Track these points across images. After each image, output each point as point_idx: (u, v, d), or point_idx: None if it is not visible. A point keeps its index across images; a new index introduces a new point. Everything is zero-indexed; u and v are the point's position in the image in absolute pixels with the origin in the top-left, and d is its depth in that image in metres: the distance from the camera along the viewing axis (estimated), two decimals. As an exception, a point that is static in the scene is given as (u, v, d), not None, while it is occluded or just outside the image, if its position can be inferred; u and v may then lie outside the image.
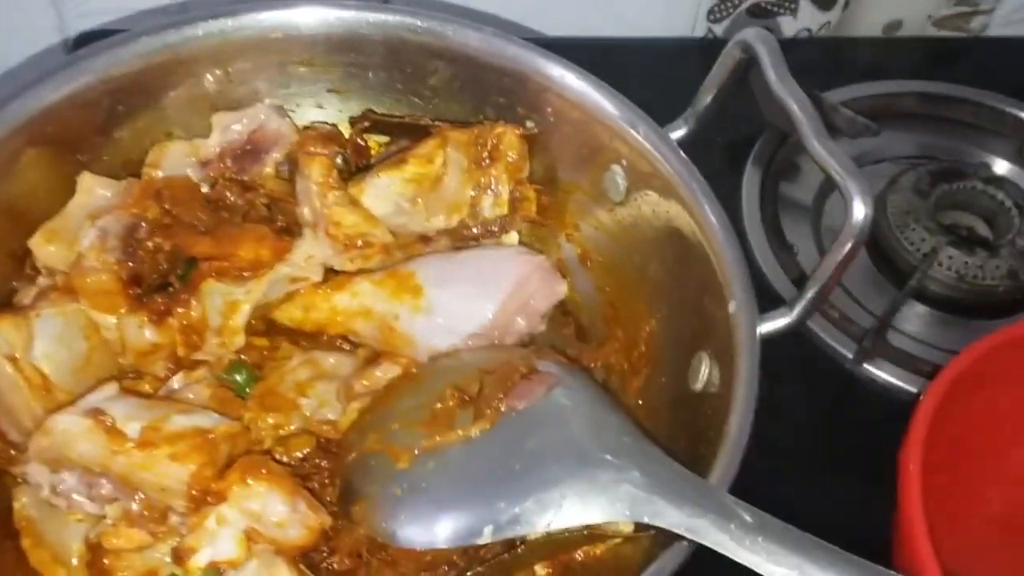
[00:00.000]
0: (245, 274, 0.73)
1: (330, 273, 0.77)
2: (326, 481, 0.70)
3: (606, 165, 0.78)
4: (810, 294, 0.69)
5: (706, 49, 1.11)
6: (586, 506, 0.59)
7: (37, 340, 0.65)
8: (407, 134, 0.83)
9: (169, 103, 0.78)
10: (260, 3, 0.77)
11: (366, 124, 0.83)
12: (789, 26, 1.14)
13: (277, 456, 0.69)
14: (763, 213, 0.99)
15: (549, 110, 0.79)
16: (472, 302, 0.75)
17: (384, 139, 0.85)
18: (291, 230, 0.77)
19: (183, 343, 0.71)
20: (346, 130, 0.84)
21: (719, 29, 1.13)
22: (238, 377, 0.73)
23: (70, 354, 0.67)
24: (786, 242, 0.97)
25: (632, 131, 0.75)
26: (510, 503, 0.60)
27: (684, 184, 0.73)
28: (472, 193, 0.79)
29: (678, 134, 0.77)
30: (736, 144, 1.02)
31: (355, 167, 0.82)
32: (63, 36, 0.99)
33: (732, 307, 0.68)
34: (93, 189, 0.74)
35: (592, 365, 0.80)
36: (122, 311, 0.69)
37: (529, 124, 0.80)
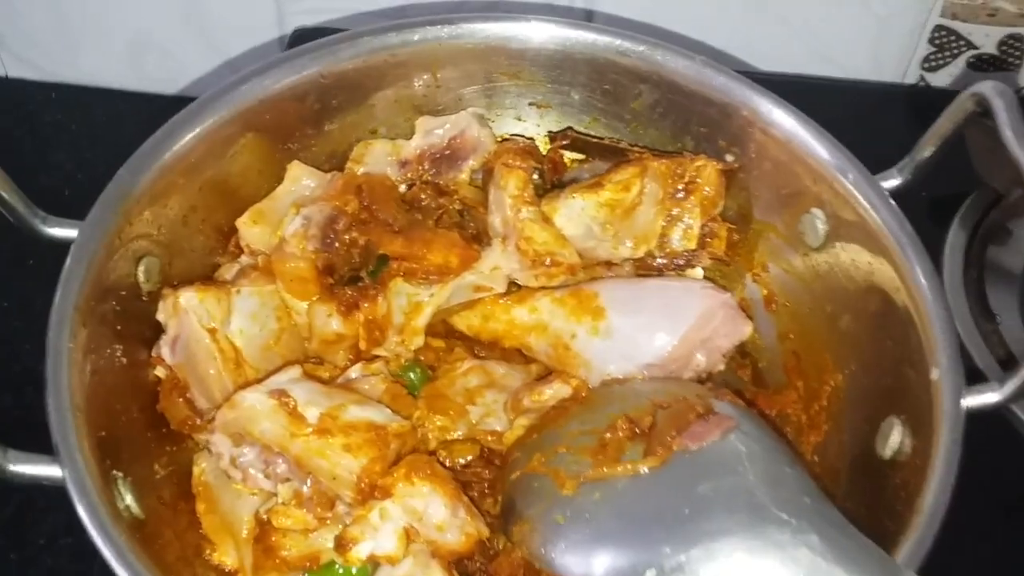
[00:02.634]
0: (432, 277, 0.74)
1: (512, 285, 0.77)
2: (486, 491, 0.69)
3: (806, 208, 0.75)
4: (1024, 373, 0.64)
5: (916, 97, 1.06)
6: (756, 564, 0.56)
7: (235, 315, 0.68)
8: (604, 155, 0.82)
9: (378, 102, 0.80)
10: (475, 15, 0.78)
11: (565, 141, 0.83)
12: (1011, 81, 1.07)
13: (440, 459, 0.70)
14: (966, 276, 0.92)
15: (752, 146, 0.77)
16: (653, 331, 0.74)
17: (579, 156, 0.84)
18: (480, 238, 0.78)
19: (366, 337, 0.73)
20: (542, 144, 0.84)
21: (932, 78, 1.07)
22: (412, 375, 0.74)
23: (262, 332, 0.70)
24: (989, 310, 0.91)
25: (841, 177, 0.72)
26: (676, 549, 0.58)
27: (894, 238, 0.69)
28: (663, 224, 0.78)
29: (891, 184, 0.73)
30: (943, 200, 0.96)
31: (550, 184, 0.82)
32: (280, 32, 1.03)
33: (935, 374, 0.64)
34: (300, 178, 0.77)
35: (767, 412, 0.77)
36: (314, 299, 0.71)
37: (729, 158, 0.78)
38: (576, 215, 0.77)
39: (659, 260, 0.79)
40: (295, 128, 0.78)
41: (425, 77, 0.80)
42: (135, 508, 0.59)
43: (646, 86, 0.79)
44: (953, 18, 0.99)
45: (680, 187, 0.78)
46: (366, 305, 0.72)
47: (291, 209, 0.74)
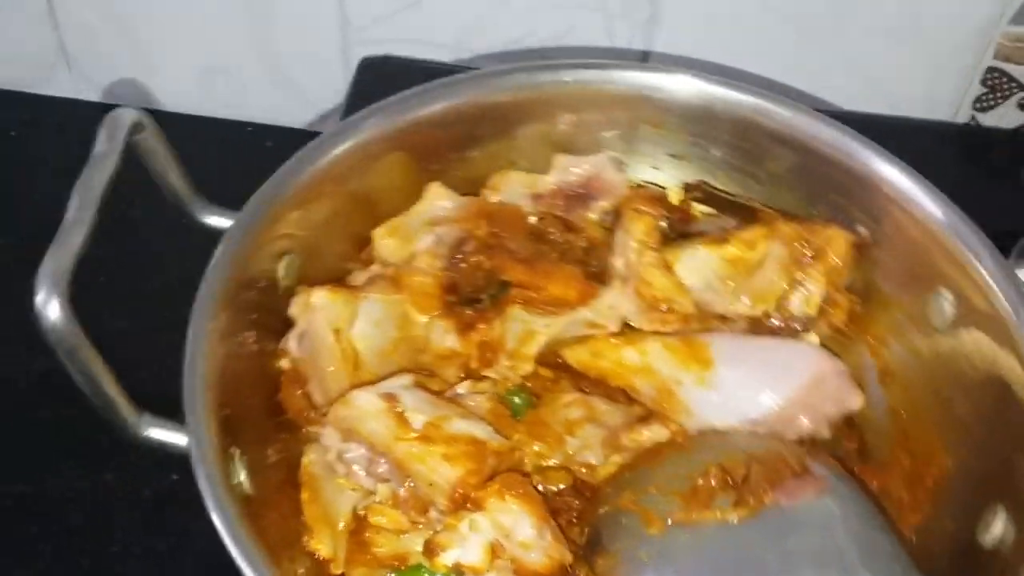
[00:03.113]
0: (548, 308, 0.77)
1: (626, 327, 0.78)
2: (573, 520, 0.71)
3: (935, 288, 0.74)
4: None
5: (968, 136, 1.06)
6: None
7: (359, 319, 0.72)
8: (735, 213, 0.83)
9: (521, 136, 0.83)
10: (624, 63, 0.81)
11: (698, 194, 0.84)
12: None
13: (534, 484, 0.71)
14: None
15: (887, 221, 0.76)
16: (760, 388, 0.74)
17: (709, 210, 0.86)
18: (600, 277, 0.80)
19: (478, 357, 0.75)
20: (675, 195, 0.86)
21: (983, 118, 1.06)
22: (517, 399, 0.76)
23: (382, 339, 0.73)
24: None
25: (975, 262, 0.71)
26: None
27: (1020, 332, 0.67)
28: (785, 286, 0.78)
29: (1029, 275, 0.72)
30: None
31: (676, 233, 0.83)
32: (346, 61, 1.06)
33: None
34: (437, 198, 0.80)
35: (869, 485, 0.76)
36: (435, 314, 0.75)
37: (861, 229, 0.78)
38: (698, 266, 0.78)
39: (775, 322, 0.79)
40: (440, 151, 0.81)
41: (570, 117, 0.83)
42: (247, 485, 0.63)
43: (786, 149, 0.80)
44: (1006, 60, 1.01)
45: (808, 253, 0.78)
46: (482, 326, 0.75)
47: (425, 226, 0.77)
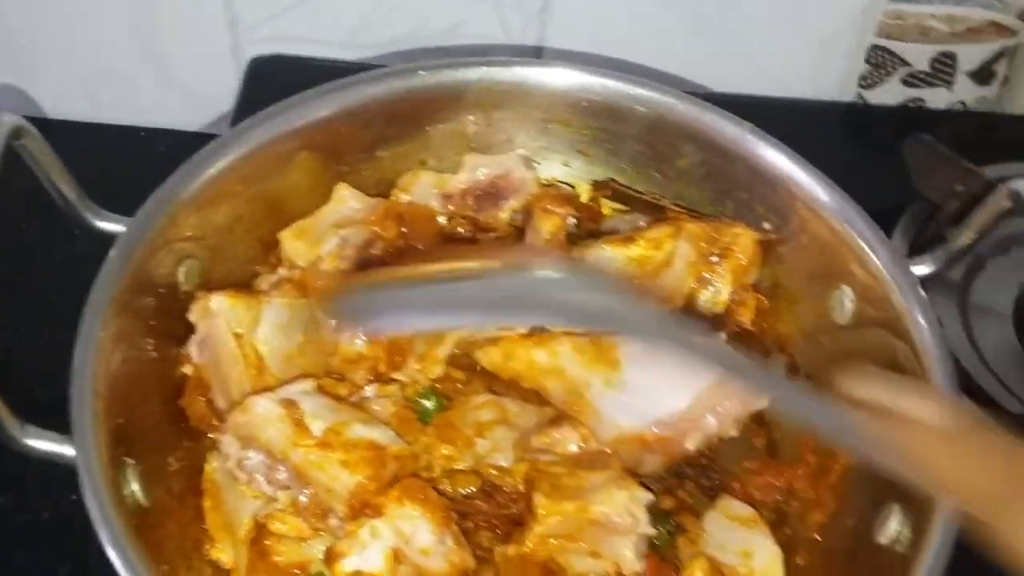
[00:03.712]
0: None
1: (538, 328, 0.78)
2: (481, 524, 0.71)
3: (837, 285, 0.75)
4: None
5: (855, 114, 1.08)
6: None
7: (262, 324, 0.71)
8: (644, 210, 0.84)
9: (431, 135, 0.83)
10: (529, 60, 0.81)
11: (607, 192, 0.84)
12: (943, 97, 1.08)
13: (442, 488, 0.71)
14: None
15: (791, 217, 0.77)
16: (667, 389, 0.74)
17: (620, 207, 0.86)
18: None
19: (386, 360, 0.75)
20: (585, 191, 0.86)
21: (869, 95, 1.08)
22: (427, 403, 0.76)
23: (287, 342, 0.72)
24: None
25: (873, 257, 0.72)
26: None
27: (916, 325, 0.69)
28: (692, 285, 0.78)
29: (922, 270, 0.73)
30: (882, 213, 0.85)
31: (586, 231, 0.83)
32: (236, 60, 1.04)
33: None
34: (346, 200, 0.79)
35: (775, 483, 0.77)
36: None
37: (766, 226, 0.79)
38: (604, 265, 0.78)
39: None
40: (348, 151, 0.80)
41: (479, 116, 0.82)
42: (140, 496, 0.61)
43: (693, 146, 0.80)
44: (888, 37, 1.03)
45: (715, 252, 0.79)
46: None
47: (332, 228, 0.77)
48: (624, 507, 0.67)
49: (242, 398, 0.69)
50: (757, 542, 0.71)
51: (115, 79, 1.05)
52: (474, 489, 0.72)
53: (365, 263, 0.77)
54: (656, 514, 0.69)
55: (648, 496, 0.69)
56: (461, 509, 0.70)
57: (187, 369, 0.72)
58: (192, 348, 0.71)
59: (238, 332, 0.70)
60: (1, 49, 1.02)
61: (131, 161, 1.00)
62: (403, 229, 0.79)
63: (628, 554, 0.68)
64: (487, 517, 0.71)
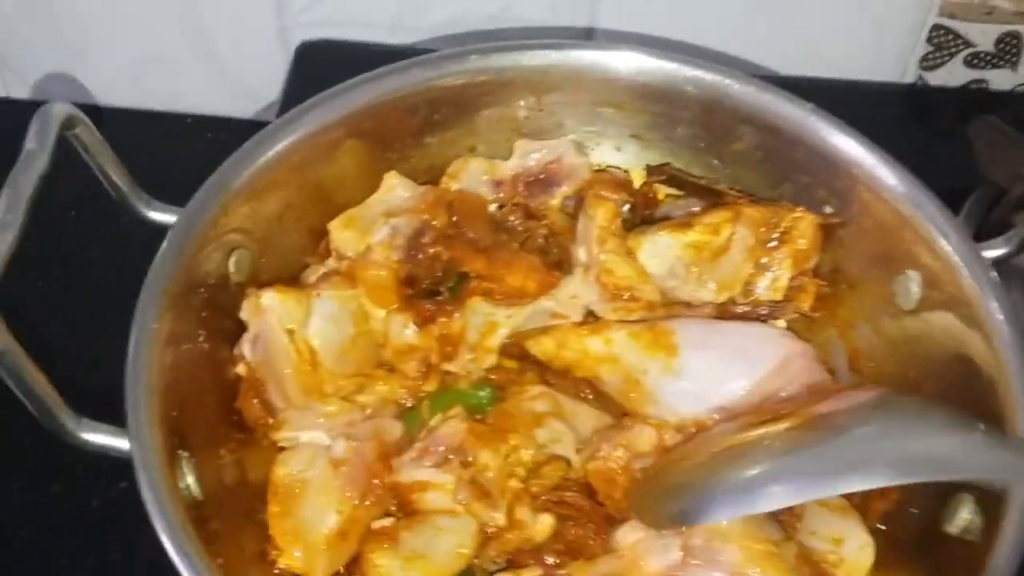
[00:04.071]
0: (510, 299, 0.75)
1: (590, 315, 0.77)
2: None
3: (902, 269, 0.73)
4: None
5: (915, 96, 1.05)
6: None
7: (314, 317, 0.70)
8: (700, 195, 0.82)
9: (480, 120, 0.81)
10: (580, 42, 0.79)
11: (662, 176, 0.82)
12: (1007, 79, 1.05)
13: (535, 490, 0.70)
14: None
15: (854, 201, 0.75)
16: (726, 374, 0.72)
17: (675, 192, 0.84)
18: (562, 266, 0.78)
19: (438, 351, 0.74)
20: (639, 176, 0.84)
21: (931, 76, 1.05)
22: (481, 394, 0.75)
23: (339, 336, 0.71)
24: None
25: (942, 240, 0.70)
26: None
27: (988, 311, 0.66)
28: (750, 271, 0.76)
29: (995, 253, 0.70)
30: (950, 195, 0.83)
31: (640, 218, 0.81)
32: (284, 46, 1.03)
33: (1014, 455, 0.61)
34: (395, 188, 0.78)
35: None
36: (393, 307, 0.73)
37: (828, 209, 0.76)
38: (661, 252, 0.76)
39: (741, 307, 0.77)
40: (396, 138, 0.79)
41: (530, 100, 0.81)
42: (195, 488, 0.61)
43: (750, 128, 0.78)
44: (951, 17, 1.00)
45: (774, 237, 0.77)
46: (442, 319, 0.73)
47: (381, 217, 0.75)
48: None
49: (299, 394, 0.69)
50: (849, 529, 0.70)
51: (163, 66, 1.05)
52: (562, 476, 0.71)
53: (414, 255, 0.76)
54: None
55: None
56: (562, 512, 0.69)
57: (240, 369, 0.71)
58: (245, 347, 0.70)
59: (290, 328, 0.69)
60: (50, 37, 1.02)
61: (178, 149, 1.01)
62: (454, 218, 0.78)
63: None
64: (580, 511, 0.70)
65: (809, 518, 0.70)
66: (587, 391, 0.77)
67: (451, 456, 0.68)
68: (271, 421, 0.69)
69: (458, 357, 0.74)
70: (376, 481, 0.67)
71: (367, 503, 0.66)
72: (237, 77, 1.05)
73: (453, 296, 0.75)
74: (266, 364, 0.69)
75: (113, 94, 1.06)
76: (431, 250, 0.75)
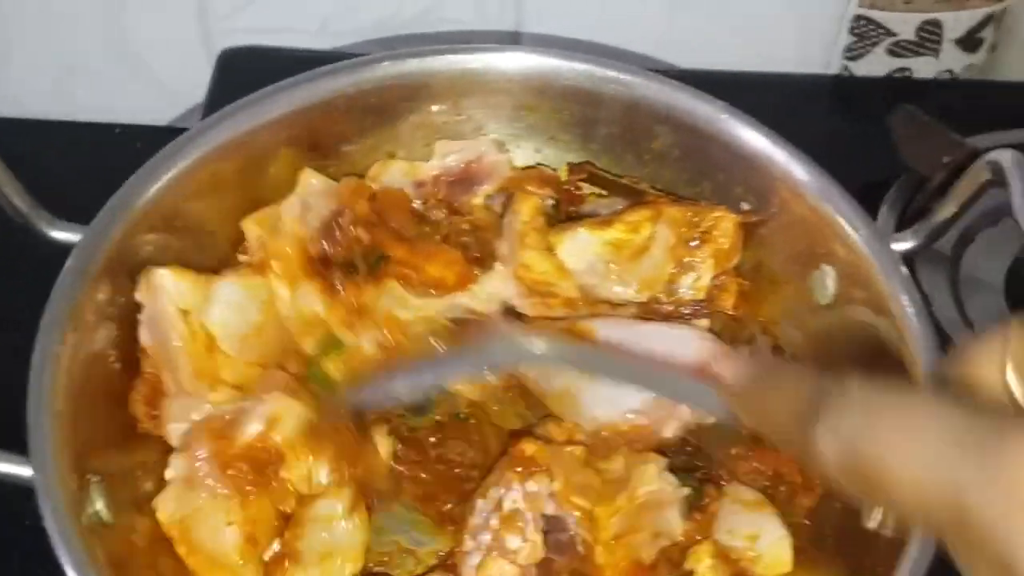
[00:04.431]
0: (426, 289, 0.74)
1: (508, 311, 0.76)
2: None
3: (817, 263, 0.73)
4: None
5: (841, 86, 1.06)
6: None
7: (214, 303, 0.68)
8: (624, 195, 0.81)
9: (399, 126, 0.80)
10: (494, 46, 0.79)
11: (583, 175, 0.82)
12: (929, 67, 1.06)
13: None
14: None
15: (771, 197, 0.75)
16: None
17: (600, 191, 0.83)
18: (484, 262, 0.77)
19: (344, 321, 0.72)
20: (561, 174, 0.84)
21: (855, 67, 1.06)
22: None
23: (242, 323, 0.70)
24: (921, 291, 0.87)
25: (854, 235, 0.70)
26: None
27: (899, 305, 0.67)
28: (672, 270, 0.76)
29: (904, 246, 0.71)
30: (871, 186, 0.90)
31: (564, 215, 0.81)
32: (208, 52, 1.02)
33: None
34: (311, 184, 0.76)
35: (763, 469, 0.75)
36: (300, 280, 0.72)
37: (745, 206, 0.77)
38: (580, 249, 0.76)
39: (666, 307, 0.78)
40: (314, 147, 0.78)
41: (447, 104, 0.80)
42: (105, 514, 0.60)
43: (666, 128, 0.78)
44: (871, 7, 1.01)
45: (695, 236, 0.77)
46: (352, 291, 0.73)
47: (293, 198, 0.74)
48: (657, 479, 0.67)
49: (192, 379, 0.67)
50: (764, 524, 0.70)
51: (86, 75, 1.03)
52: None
53: (330, 233, 0.74)
54: (677, 474, 0.69)
55: (664, 459, 0.69)
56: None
57: (143, 361, 0.69)
58: (142, 332, 0.68)
59: (185, 308, 0.67)
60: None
61: (108, 159, 0.98)
62: (376, 208, 0.77)
63: (677, 520, 0.68)
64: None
65: (724, 517, 0.70)
66: (513, 391, 0.76)
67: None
68: (155, 414, 0.67)
69: (361, 329, 0.73)
70: (232, 470, 0.63)
71: (249, 496, 0.64)
72: (163, 84, 1.04)
73: (370, 273, 0.74)
74: (159, 346, 0.67)
75: (36, 105, 1.04)
76: (351, 231, 0.74)
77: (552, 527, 0.65)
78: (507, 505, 0.65)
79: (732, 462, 0.75)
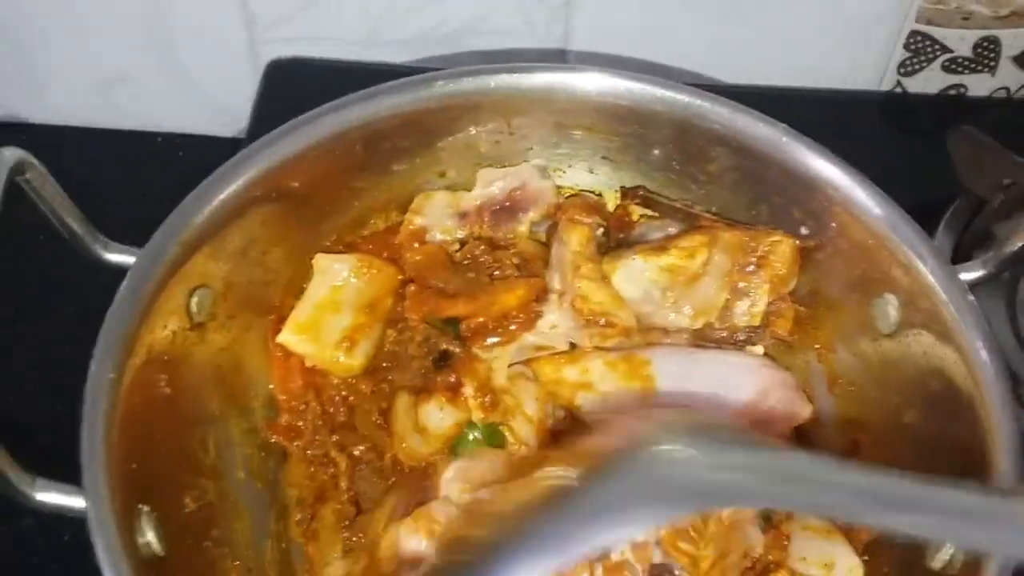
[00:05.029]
0: (503, 329, 0.74)
1: (572, 345, 0.75)
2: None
3: (880, 292, 0.71)
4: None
5: (894, 103, 1.04)
6: None
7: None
8: (676, 217, 0.80)
9: (448, 146, 0.79)
10: (547, 64, 0.78)
11: (636, 199, 0.81)
12: (985, 84, 1.04)
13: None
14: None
15: (829, 222, 0.73)
16: (704, 405, 0.71)
17: (650, 213, 0.82)
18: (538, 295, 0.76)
19: (480, 406, 0.72)
20: (612, 199, 0.82)
21: (909, 83, 1.04)
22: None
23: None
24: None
25: (919, 263, 0.68)
26: None
27: (967, 334, 0.65)
28: (727, 296, 0.75)
29: (972, 276, 0.69)
30: (929, 206, 0.87)
31: (615, 241, 0.80)
32: (254, 63, 1.01)
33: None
34: (329, 269, 0.75)
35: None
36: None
37: (804, 230, 0.75)
38: (636, 276, 0.75)
39: (720, 333, 0.76)
40: (362, 168, 0.77)
41: (500, 123, 0.79)
42: (156, 545, 0.59)
43: (725, 150, 0.76)
44: (928, 23, 0.98)
45: (751, 261, 0.75)
46: (465, 378, 0.72)
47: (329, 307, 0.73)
48: None
49: None
50: (837, 553, 0.69)
51: (130, 83, 1.02)
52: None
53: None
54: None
55: None
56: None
57: None
58: None
59: None
60: (13, 56, 1.00)
61: (149, 168, 0.99)
62: (415, 279, 0.76)
63: (758, 535, 0.67)
64: None
65: (797, 543, 0.69)
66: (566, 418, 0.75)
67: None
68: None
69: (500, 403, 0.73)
70: None
71: None
72: (208, 94, 1.03)
73: (461, 346, 0.74)
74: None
75: (81, 114, 1.04)
76: (406, 333, 0.74)
77: (657, 572, 0.63)
78: (614, 556, 0.62)
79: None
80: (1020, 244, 0.67)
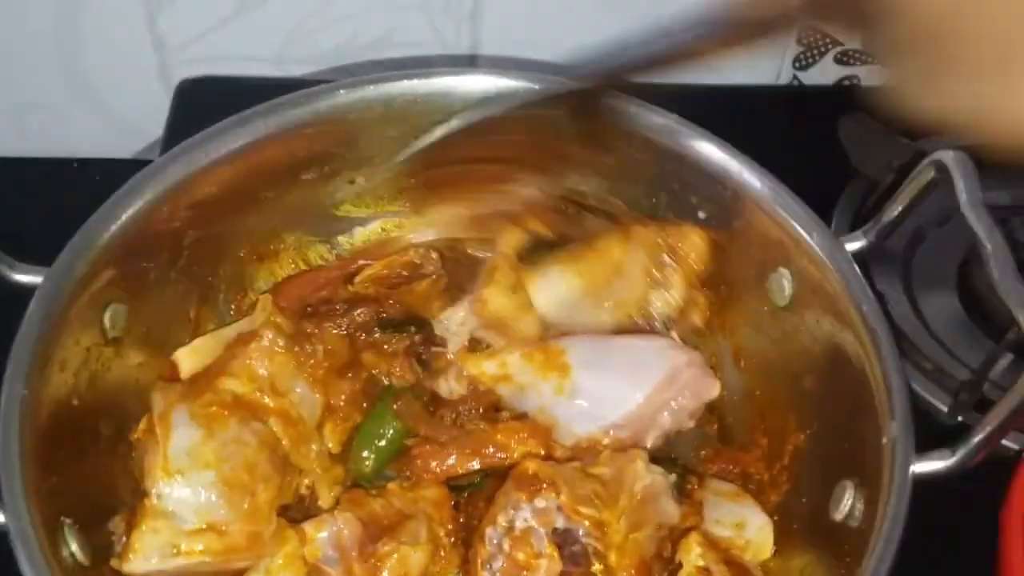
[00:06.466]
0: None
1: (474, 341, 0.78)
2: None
3: (774, 267, 0.75)
4: (977, 439, 0.63)
5: (791, 96, 1.09)
6: None
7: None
8: (593, 214, 0.82)
9: (353, 154, 0.80)
10: (452, 68, 0.80)
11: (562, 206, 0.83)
12: (877, 74, 1.08)
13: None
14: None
15: (724, 204, 0.77)
16: (619, 390, 0.74)
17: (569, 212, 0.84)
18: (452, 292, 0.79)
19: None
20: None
21: (804, 76, 1.08)
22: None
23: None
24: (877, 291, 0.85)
25: (807, 237, 0.72)
26: None
27: (854, 301, 0.69)
28: (645, 290, 0.78)
29: (855, 246, 0.73)
30: (822, 194, 0.88)
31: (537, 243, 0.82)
32: (166, 83, 1.02)
33: (886, 439, 0.63)
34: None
35: (731, 468, 0.77)
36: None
37: (701, 214, 0.78)
38: (553, 286, 0.77)
39: (637, 321, 0.79)
40: (273, 177, 0.78)
41: (404, 128, 0.80)
42: (80, 555, 0.60)
43: (620, 141, 0.79)
44: None
45: (665, 253, 0.78)
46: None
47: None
48: (646, 471, 0.68)
49: None
50: (747, 513, 0.72)
51: (42, 110, 1.03)
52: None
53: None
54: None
55: (643, 451, 0.70)
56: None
57: None
58: None
59: None
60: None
61: (66, 194, 0.98)
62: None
63: (672, 506, 0.69)
64: None
65: (709, 508, 0.72)
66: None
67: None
68: None
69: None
70: None
71: None
72: (121, 117, 1.04)
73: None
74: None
75: (-3, 143, 1.04)
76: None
77: (564, 540, 0.65)
78: (519, 525, 0.65)
79: (702, 464, 0.77)
80: (896, 213, 0.71)
